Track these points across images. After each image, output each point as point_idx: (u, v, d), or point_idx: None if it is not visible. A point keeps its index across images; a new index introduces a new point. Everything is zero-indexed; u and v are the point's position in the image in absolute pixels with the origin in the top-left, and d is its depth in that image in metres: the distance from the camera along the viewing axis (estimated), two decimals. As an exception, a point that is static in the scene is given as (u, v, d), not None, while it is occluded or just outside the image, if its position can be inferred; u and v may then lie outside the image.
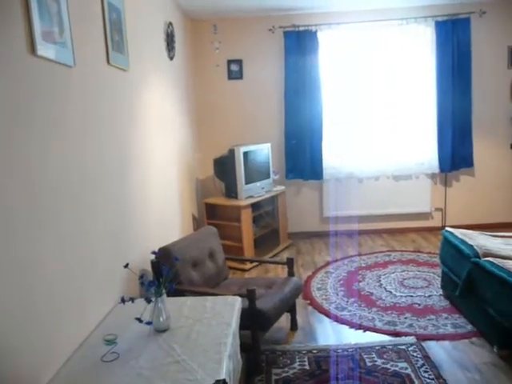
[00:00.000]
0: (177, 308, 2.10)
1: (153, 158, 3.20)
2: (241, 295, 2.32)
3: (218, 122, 5.09)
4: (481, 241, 3.02)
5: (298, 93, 4.88)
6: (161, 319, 1.87)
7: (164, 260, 2.46)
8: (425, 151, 4.99)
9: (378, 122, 4.99)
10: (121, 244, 2.46)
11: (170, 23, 3.86)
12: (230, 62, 5.02)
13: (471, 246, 2.92)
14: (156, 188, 3.24)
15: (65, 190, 1.81)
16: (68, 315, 1.79)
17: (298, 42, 4.82)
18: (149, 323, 1.81)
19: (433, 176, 5.09)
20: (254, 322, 2.38)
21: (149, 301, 1.84)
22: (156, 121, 3.34)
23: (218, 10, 4.59)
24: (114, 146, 2.44)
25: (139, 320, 1.80)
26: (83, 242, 1.96)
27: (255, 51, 4.98)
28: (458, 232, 3.23)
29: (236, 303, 2.12)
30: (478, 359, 2.52)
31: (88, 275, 1.99)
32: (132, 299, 1.89)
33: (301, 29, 4.81)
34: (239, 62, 5.01)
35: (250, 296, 2.34)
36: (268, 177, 4.71)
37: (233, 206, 4.33)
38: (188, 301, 2.23)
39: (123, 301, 1.87)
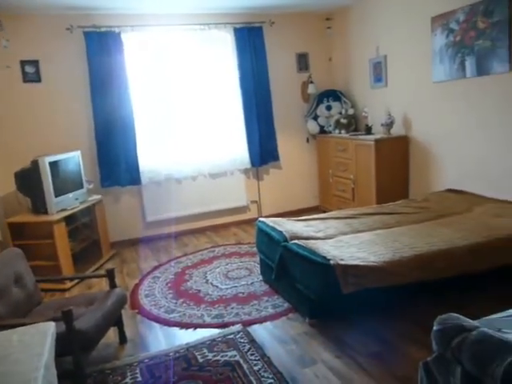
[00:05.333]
0: (-27, 351, 1.79)
1: None
2: (55, 319, 2.11)
3: (16, 131, 4.51)
4: (288, 226, 3.39)
5: (106, 96, 4.66)
6: None
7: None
8: (236, 149, 5.33)
9: (191, 123, 5.12)
10: None
11: None
12: (23, 62, 4.49)
13: (280, 231, 3.25)
14: None
15: None
16: None
17: (101, 43, 4.60)
18: None
19: (246, 171, 5.47)
20: (74, 346, 2.19)
21: None
22: None
23: (0, 5, 4.05)
24: None
25: None
26: None
27: (53, 52, 4.56)
28: (269, 221, 3.55)
29: (49, 330, 1.91)
30: (293, 332, 2.82)
31: None
32: None
33: (103, 30, 4.59)
34: (35, 63, 4.52)
35: (65, 318, 2.14)
36: (81, 187, 4.39)
37: (43, 223, 3.91)
38: (-11, 339, 1.92)
39: None
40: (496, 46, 3.50)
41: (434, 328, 1.69)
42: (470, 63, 3.78)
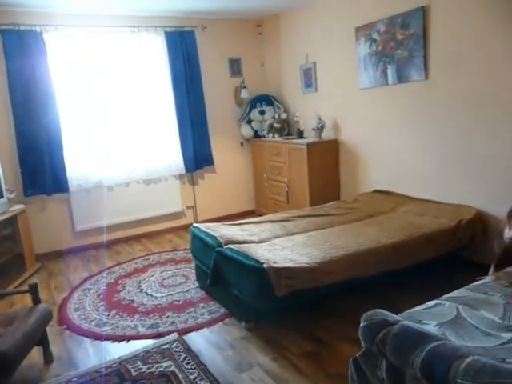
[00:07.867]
0: None
1: None
2: (-32, 342, 1.94)
3: None
4: (222, 231, 3.37)
5: (28, 100, 4.38)
6: None
7: None
8: (170, 154, 5.23)
9: (123, 128, 4.95)
10: None
11: None
12: None
13: (214, 236, 3.23)
14: None
15: None
16: None
17: (21, 43, 4.31)
18: None
19: (180, 177, 5.39)
20: (-9, 369, 2.03)
21: None
22: None
23: None
24: None
25: None
26: None
27: (-35, 51, 4.23)
28: (203, 226, 3.52)
29: (-40, 354, 1.76)
30: (230, 337, 2.81)
31: None
32: None
33: (22, 28, 4.32)
34: None
35: (-20, 340, 1.98)
36: (1, 196, 4.08)
37: (-44, 237, 3.60)
38: None
39: None
40: (413, 56, 3.74)
41: (361, 324, 1.76)
42: (391, 71, 4.00)
